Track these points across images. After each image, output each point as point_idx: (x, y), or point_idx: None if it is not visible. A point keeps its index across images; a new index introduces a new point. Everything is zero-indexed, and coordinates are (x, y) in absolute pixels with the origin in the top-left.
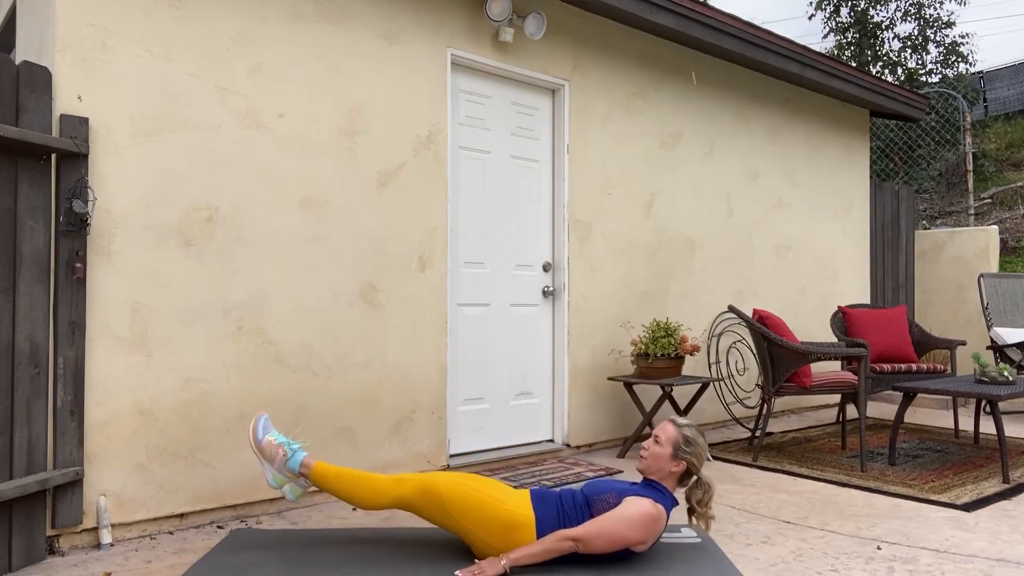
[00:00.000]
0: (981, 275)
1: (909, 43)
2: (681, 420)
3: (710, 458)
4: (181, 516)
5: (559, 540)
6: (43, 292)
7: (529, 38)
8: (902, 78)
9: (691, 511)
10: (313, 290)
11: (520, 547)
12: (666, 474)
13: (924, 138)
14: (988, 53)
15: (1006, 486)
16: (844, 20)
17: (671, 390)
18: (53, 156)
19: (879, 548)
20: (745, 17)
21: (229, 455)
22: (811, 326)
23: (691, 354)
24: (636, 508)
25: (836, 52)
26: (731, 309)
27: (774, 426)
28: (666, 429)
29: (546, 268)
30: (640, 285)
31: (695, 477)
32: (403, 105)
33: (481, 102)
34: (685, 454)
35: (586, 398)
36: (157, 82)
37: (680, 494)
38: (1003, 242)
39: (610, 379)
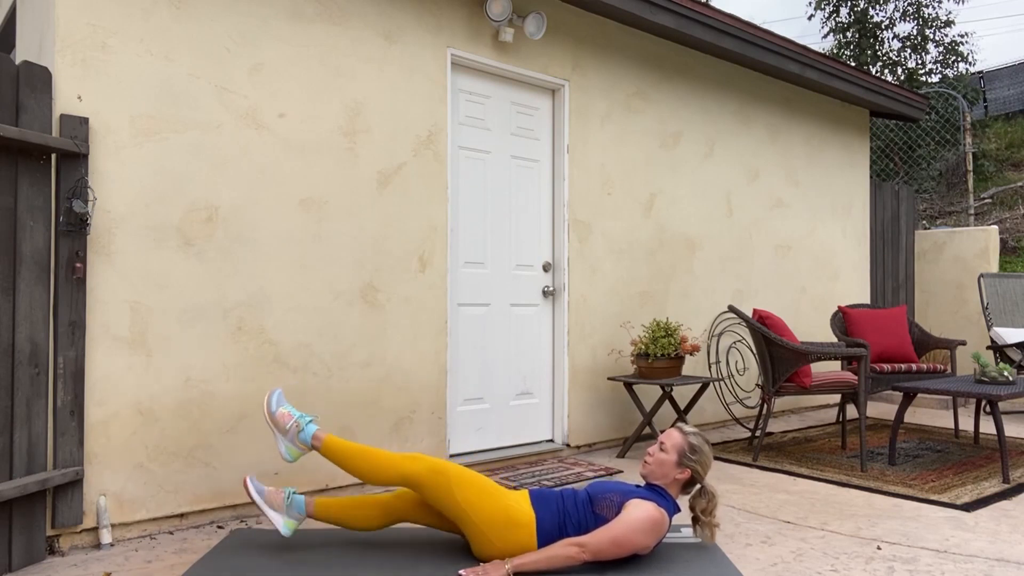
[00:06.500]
0: (981, 275)
1: (909, 43)
2: (687, 428)
3: None
4: (181, 516)
5: (565, 546)
6: (43, 292)
7: (529, 38)
8: (902, 78)
9: (695, 520)
10: (313, 290)
11: (525, 553)
12: (670, 481)
13: (924, 138)
14: (988, 53)
15: (1006, 486)
16: (844, 20)
17: (671, 390)
18: (53, 156)
19: (879, 548)
20: (745, 17)
21: (229, 455)
22: (811, 326)
23: (691, 354)
24: (643, 512)
25: (836, 52)
26: (731, 309)
27: (774, 426)
28: (672, 436)
29: (546, 268)
30: (640, 285)
31: (699, 485)
32: (403, 105)
33: (481, 102)
34: (690, 462)
35: (586, 398)
36: (157, 82)
37: (683, 502)
38: (1003, 242)
39: (610, 379)
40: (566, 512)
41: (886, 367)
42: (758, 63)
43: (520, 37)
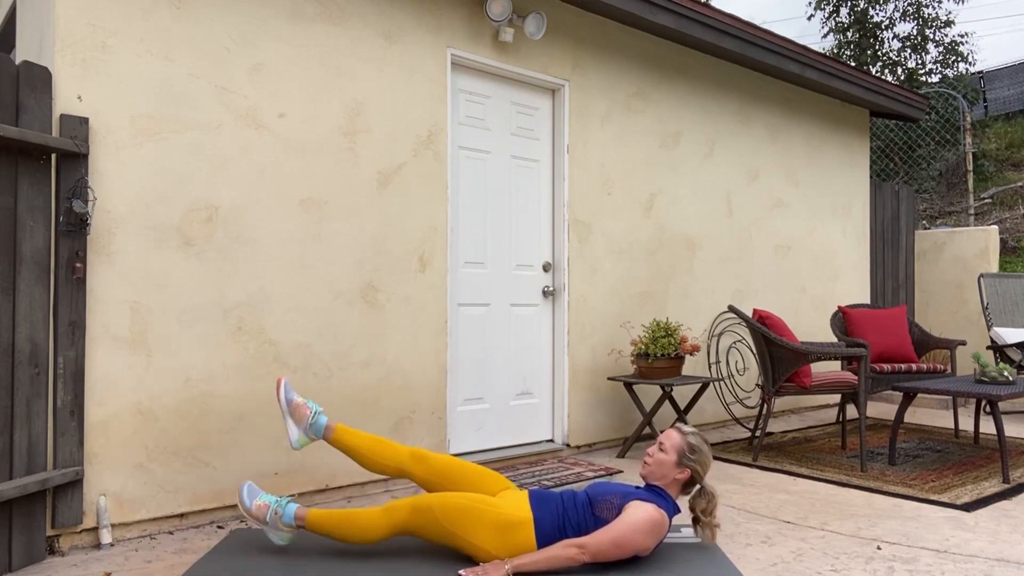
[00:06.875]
0: (981, 275)
1: (909, 43)
2: (686, 428)
3: None
4: (181, 516)
5: (565, 547)
6: (43, 292)
7: (529, 38)
8: (902, 78)
9: (695, 520)
10: (313, 290)
11: (524, 554)
12: (670, 481)
13: (924, 138)
14: (988, 53)
15: (1006, 486)
16: (844, 20)
17: (671, 390)
18: (53, 156)
19: (879, 548)
20: (745, 17)
21: (229, 455)
22: (811, 326)
23: (691, 354)
24: (643, 513)
25: (836, 52)
26: (731, 309)
27: (774, 426)
28: (671, 436)
29: (546, 268)
30: (640, 285)
31: (699, 486)
32: (403, 105)
33: (481, 102)
34: (689, 462)
35: (586, 398)
36: (157, 82)
37: (683, 503)
38: (1003, 242)
39: (610, 379)
40: (566, 514)
41: (886, 367)
42: (758, 63)
43: (520, 37)
